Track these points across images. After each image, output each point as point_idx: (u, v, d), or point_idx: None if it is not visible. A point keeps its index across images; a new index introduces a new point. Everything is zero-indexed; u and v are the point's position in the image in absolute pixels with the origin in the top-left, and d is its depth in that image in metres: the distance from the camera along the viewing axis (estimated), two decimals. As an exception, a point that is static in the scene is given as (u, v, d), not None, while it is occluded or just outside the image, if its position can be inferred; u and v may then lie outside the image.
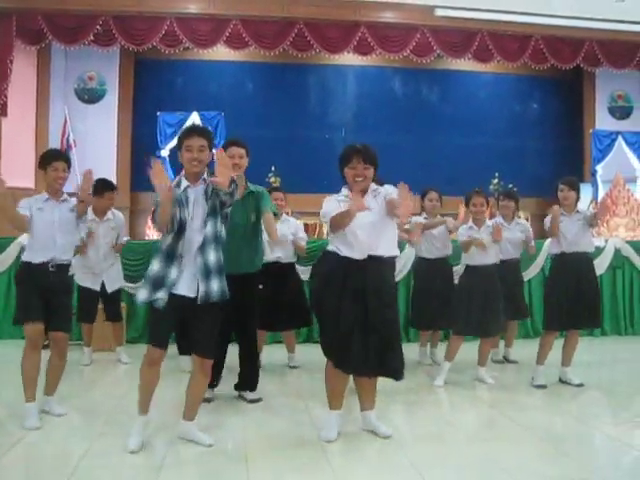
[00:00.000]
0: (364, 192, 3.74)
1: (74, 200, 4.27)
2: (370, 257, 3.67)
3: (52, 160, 4.17)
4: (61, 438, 3.84)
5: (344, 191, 3.83)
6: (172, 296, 3.52)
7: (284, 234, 5.38)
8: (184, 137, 3.63)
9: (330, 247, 3.81)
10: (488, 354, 5.48)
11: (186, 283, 3.55)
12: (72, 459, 3.45)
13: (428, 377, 5.44)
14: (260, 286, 4.71)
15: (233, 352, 4.70)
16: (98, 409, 4.40)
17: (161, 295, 3.50)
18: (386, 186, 3.81)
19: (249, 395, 4.70)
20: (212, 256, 3.55)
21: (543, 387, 5.13)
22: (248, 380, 4.72)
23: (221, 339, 3.99)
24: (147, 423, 3.74)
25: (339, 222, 3.61)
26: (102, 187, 5.73)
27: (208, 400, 4.41)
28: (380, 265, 3.71)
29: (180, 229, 3.54)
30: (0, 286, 6.81)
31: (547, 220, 5.22)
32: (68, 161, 4.29)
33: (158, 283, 3.51)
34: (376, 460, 3.55)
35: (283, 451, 3.63)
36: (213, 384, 4.52)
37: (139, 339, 6.64)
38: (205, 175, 3.62)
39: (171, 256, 3.54)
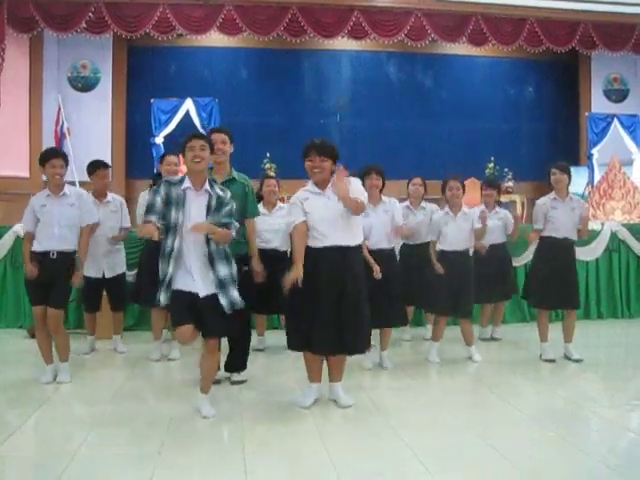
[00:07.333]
0: (325, 185, 4.11)
1: (74, 195, 4.77)
2: (337, 247, 4.03)
3: (50, 158, 4.67)
4: (60, 425, 3.85)
5: (309, 186, 4.17)
6: (180, 292, 3.77)
7: (279, 224, 5.64)
8: (186, 142, 3.85)
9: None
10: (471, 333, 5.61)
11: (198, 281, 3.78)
12: (71, 446, 3.47)
13: (426, 363, 5.48)
14: (245, 268, 4.65)
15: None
16: (96, 398, 4.40)
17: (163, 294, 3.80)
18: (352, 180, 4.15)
19: (235, 376, 4.76)
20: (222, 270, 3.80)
21: (551, 361, 5.37)
22: (236, 361, 4.76)
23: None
24: None
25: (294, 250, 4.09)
26: (93, 166, 5.74)
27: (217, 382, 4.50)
28: (346, 253, 4.06)
29: (173, 229, 3.75)
30: (-4, 275, 6.67)
31: (536, 211, 5.48)
32: (65, 158, 4.78)
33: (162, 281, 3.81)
34: (373, 445, 3.55)
35: (280, 438, 3.65)
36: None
37: (135, 327, 6.63)
38: (207, 186, 3.82)
39: (167, 255, 3.77)
